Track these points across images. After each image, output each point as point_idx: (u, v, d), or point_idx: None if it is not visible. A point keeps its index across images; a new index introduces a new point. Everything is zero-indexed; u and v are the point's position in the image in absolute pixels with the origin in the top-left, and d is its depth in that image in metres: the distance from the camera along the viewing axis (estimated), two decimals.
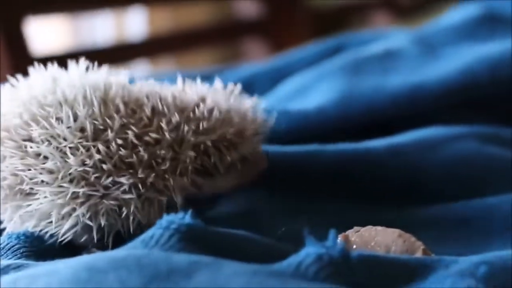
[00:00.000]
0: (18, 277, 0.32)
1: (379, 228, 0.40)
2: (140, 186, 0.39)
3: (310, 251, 0.32)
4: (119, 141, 0.39)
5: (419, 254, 0.38)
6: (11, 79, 0.44)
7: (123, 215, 0.39)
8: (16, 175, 0.40)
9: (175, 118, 0.41)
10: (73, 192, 0.39)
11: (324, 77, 0.62)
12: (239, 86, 0.49)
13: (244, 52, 1.49)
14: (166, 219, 0.35)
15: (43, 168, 0.39)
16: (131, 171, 0.39)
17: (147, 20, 1.59)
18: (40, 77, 0.43)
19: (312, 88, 0.61)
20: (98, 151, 0.39)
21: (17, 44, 1.01)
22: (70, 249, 0.40)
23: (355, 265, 0.33)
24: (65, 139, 0.39)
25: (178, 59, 1.53)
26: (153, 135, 0.40)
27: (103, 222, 0.39)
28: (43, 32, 1.32)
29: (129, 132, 0.40)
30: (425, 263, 0.35)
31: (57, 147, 0.39)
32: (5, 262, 0.36)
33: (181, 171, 0.41)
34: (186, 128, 0.41)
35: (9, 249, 0.39)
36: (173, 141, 0.41)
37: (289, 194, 0.48)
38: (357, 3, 1.74)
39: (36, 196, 0.39)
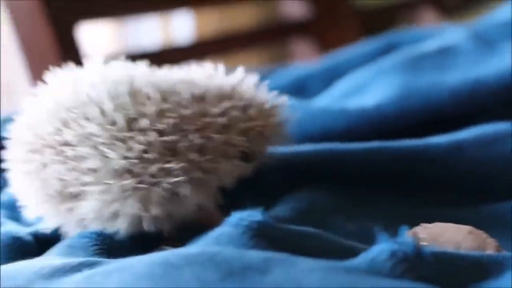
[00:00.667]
0: (92, 274, 0.33)
1: (448, 224, 0.39)
2: (191, 169, 0.40)
3: (383, 247, 0.32)
4: (159, 127, 0.39)
5: (491, 251, 0.37)
6: (32, 89, 0.44)
7: (176, 201, 0.40)
8: (61, 180, 0.40)
9: (223, 103, 0.42)
10: (120, 187, 0.39)
11: (380, 74, 0.61)
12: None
13: (291, 53, 1.49)
14: (235, 216, 0.35)
15: (85, 169, 0.39)
16: (178, 156, 0.39)
17: (194, 23, 1.60)
18: (59, 82, 0.43)
19: (369, 86, 0.61)
20: (136, 141, 0.39)
21: (70, 50, 1.03)
22: (140, 246, 0.40)
23: (428, 261, 0.32)
24: (98, 136, 0.39)
25: (225, 61, 1.54)
26: (206, 119, 0.41)
27: (156, 212, 0.39)
28: (91, 37, 1.35)
29: (171, 117, 0.40)
30: (497, 260, 0.34)
31: (94, 146, 0.39)
32: (78, 260, 0.36)
33: (230, 155, 0.42)
34: (235, 113, 0.42)
35: (80, 247, 0.40)
36: (222, 125, 0.41)
37: (350, 192, 0.47)
38: (404, 0, 1.73)
39: (86, 197, 0.40)
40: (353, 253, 0.35)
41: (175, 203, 0.40)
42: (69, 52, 1.02)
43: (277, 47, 1.61)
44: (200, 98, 0.42)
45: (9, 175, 0.44)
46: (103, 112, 0.40)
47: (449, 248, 0.37)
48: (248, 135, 0.43)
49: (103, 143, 0.39)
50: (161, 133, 0.40)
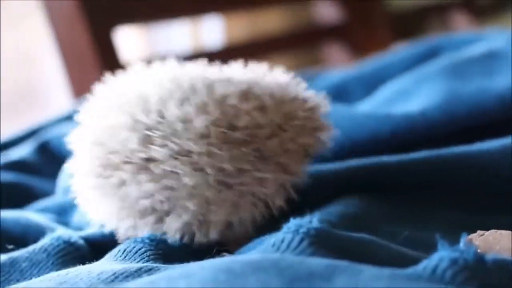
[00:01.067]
0: (156, 279, 0.33)
1: (504, 232, 0.39)
2: (279, 175, 0.41)
3: (444, 255, 0.32)
4: (248, 138, 0.40)
5: None
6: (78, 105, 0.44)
7: (260, 205, 0.41)
8: (149, 197, 0.40)
9: (292, 105, 0.43)
10: (217, 198, 0.40)
11: (425, 80, 0.61)
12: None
13: (323, 58, 1.49)
14: (294, 223, 0.35)
15: (179, 185, 0.39)
16: (266, 162, 0.40)
17: (224, 28, 1.61)
18: (129, 94, 0.42)
19: (414, 92, 0.61)
20: (230, 153, 0.39)
21: (108, 54, 1.04)
22: (195, 252, 0.41)
23: (490, 269, 0.32)
24: (190, 152, 0.39)
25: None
26: (291, 122, 0.42)
27: (247, 219, 0.40)
28: (123, 43, 1.36)
29: (263, 127, 0.41)
30: None
31: (188, 162, 0.39)
32: (136, 265, 0.37)
33: (305, 155, 0.43)
34: (303, 114, 0.43)
35: (135, 252, 0.40)
36: (299, 126, 0.43)
37: (402, 201, 0.47)
38: (436, 3, 1.72)
39: (176, 211, 0.40)
40: (411, 260, 0.35)
41: (259, 207, 0.41)
42: (107, 57, 1.04)
43: (309, 51, 1.61)
44: (280, 101, 0.42)
45: (76, 188, 0.44)
46: (193, 128, 0.40)
47: (507, 256, 0.37)
48: (310, 134, 0.44)
49: (198, 158, 0.39)
50: (252, 142, 0.40)
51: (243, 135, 0.40)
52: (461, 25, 1.69)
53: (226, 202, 0.40)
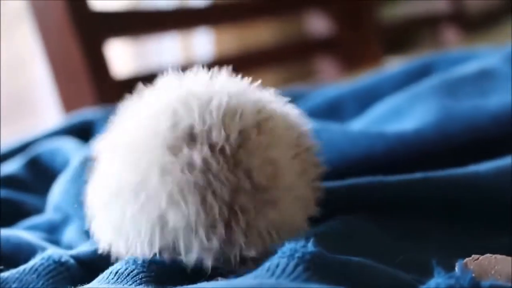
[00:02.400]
0: None
1: (499, 256, 0.39)
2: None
3: (439, 281, 0.32)
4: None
5: None
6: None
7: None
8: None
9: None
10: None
11: (419, 98, 0.61)
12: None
13: (315, 70, 1.50)
14: (288, 247, 0.35)
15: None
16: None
17: (214, 41, 1.60)
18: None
19: (407, 109, 0.61)
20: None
21: (99, 67, 1.03)
22: (188, 275, 0.40)
23: None
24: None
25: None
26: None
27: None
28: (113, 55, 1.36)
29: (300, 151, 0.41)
30: None
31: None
32: (128, 287, 0.36)
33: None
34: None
35: (128, 274, 0.40)
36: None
37: (398, 221, 0.47)
38: (426, 16, 1.73)
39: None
40: (408, 286, 0.35)
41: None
42: (98, 70, 1.03)
43: (300, 64, 1.62)
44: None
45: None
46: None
47: (502, 281, 0.37)
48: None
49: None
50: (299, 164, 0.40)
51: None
52: (451, 38, 1.70)
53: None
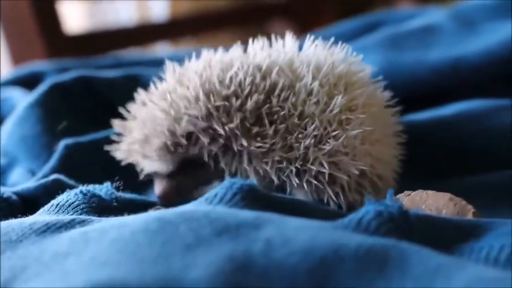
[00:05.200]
0: (87, 230, 0.33)
1: (429, 192, 0.41)
2: None
3: (370, 208, 0.33)
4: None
5: (470, 217, 0.39)
6: None
7: None
8: None
9: None
10: None
11: (363, 51, 0.62)
12: None
13: (268, 33, 1.49)
14: (229, 180, 0.36)
15: None
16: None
17: (169, 2, 1.59)
18: None
19: None
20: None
21: (50, 25, 1.02)
22: (128, 207, 0.41)
23: (413, 222, 0.34)
24: None
25: (199, 41, 1.53)
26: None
27: None
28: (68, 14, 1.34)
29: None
30: (477, 224, 0.36)
31: None
32: (69, 217, 0.37)
33: None
34: None
35: (69, 205, 0.40)
36: None
37: None
38: None
39: None
40: (339, 216, 0.36)
41: None
42: (49, 28, 1.02)
43: (255, 27, 1.61)
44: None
45: None
46: None
47: (431, 213, 0.39)
48: None
49: None
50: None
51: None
52: (406, 4, 1.71)
53: None
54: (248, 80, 0.42)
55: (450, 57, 0.58)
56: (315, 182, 0.41)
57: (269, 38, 0.47)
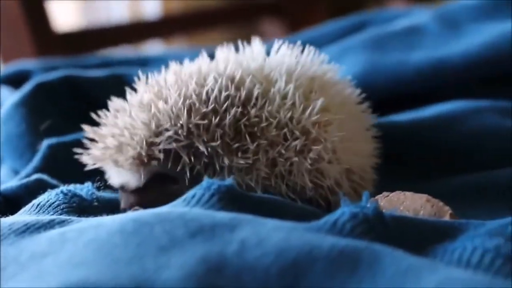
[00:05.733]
0: (66, 231, 0.34)
1: (407, 193, 0.41)
2: None
3: (345, 210, 0.34)
4: None
5: (447, 218, 0.39)
6: None
7: None
8: None
9: None
10: None
11: (347, 51, 0.63)
12: None
13: (259, 32, 1.50)
14: (207, 180, 0.36)
15: None
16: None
17: (161, 2, 1.60)
18: None
19: (336, 62, 0.62)
20: None
21: (39, 23, 1.02)
22: (108, 207, 0.41)
23: (389, 224, 0.34)
24: None
25: (191, 39, 1.53)
26: None
27: None
28: (60, 11, 1.34)
29: None
30: (454, 225, 0.36)
31: None
32: (49, 217, 0.37)
33: None
34: None
35: (49, 205, 0.41)
36: None
37: None
38: None
39: None
40: (318, 217, 0.36)
41: None
42: (38, 25, 1.02)
43: (246, 25, 1.62)
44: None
45: None
46: None
47: (409, 214, 0.39)
48: None
49: None
50: None
51: None
52: (398, 4, 1.72)
53: None
54: (223, 94, 0.42)
55: (433, 58, 0.58)
56: (300, 190, 0.42)
57: (261, 36, 0.47)
